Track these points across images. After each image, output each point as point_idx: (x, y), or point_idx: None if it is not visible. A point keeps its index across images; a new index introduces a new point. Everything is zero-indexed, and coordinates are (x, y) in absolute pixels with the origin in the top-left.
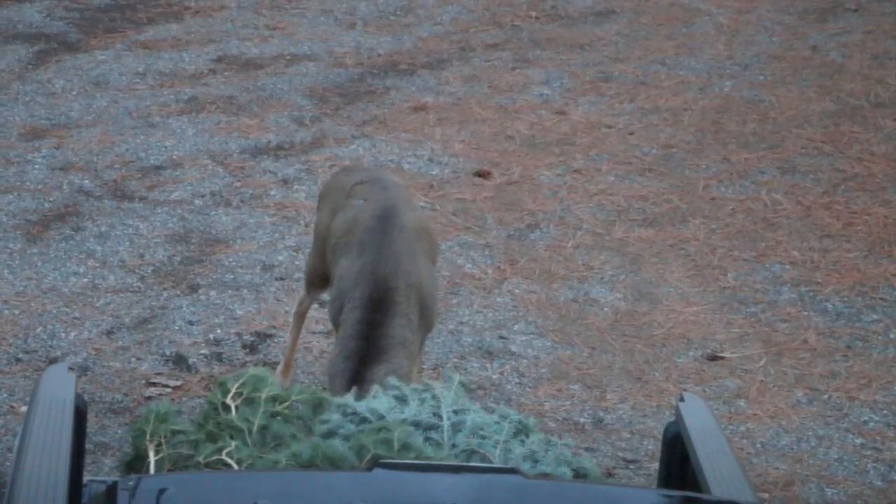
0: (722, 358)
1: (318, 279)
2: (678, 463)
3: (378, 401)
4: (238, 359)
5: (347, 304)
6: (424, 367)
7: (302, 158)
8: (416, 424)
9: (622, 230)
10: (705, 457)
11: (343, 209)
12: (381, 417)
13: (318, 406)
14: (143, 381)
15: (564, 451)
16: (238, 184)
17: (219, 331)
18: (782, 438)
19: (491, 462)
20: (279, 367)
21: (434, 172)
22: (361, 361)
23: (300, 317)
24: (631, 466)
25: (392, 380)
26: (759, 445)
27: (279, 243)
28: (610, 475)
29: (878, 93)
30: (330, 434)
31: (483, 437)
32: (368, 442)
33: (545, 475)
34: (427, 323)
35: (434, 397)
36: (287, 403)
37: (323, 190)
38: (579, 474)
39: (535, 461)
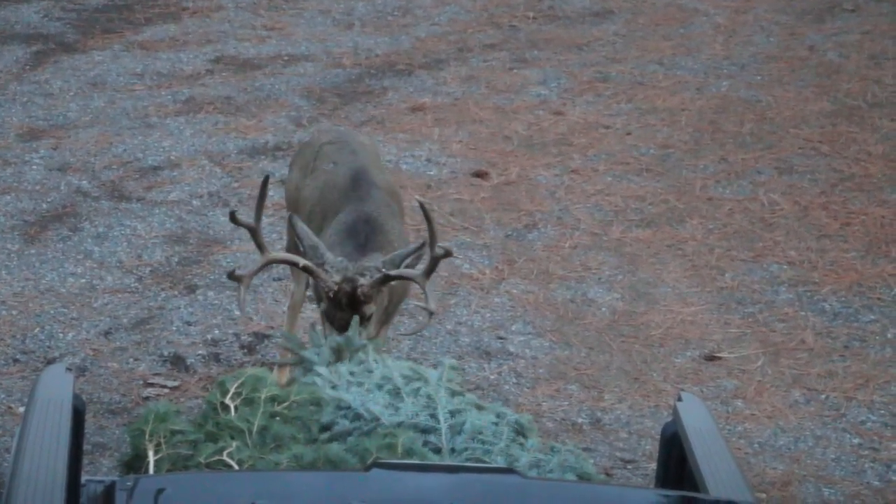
0: (719, 358)
1: (292, 243)
2: (676, 463)
3: (370, 397)
4: (236, 359)
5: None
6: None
7: None
8: (414, 427)
9: (620, 230)
10: (703, 457)
11: (313, 172)
12: (376, 419)
13: (316, 405)
14: (141, 382)
15: (568, 457)
16: (236, 184)
17: (216, 331)
18: (780, 438)
19: None
20: (276, 367)
21: (432, 173)
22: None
23: (293, 310)
24: (628, 466)
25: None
26: (756, 445)
27: (277, 244)
28: (608, 475)
29: (876, 93)
30: (330, 436)
31: (483, 442)
32: (372, 446)
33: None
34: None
35: (429, 397)
36: (286, 404)
37: (297, 150)
38: (583, 480)
39: (540, 467)
